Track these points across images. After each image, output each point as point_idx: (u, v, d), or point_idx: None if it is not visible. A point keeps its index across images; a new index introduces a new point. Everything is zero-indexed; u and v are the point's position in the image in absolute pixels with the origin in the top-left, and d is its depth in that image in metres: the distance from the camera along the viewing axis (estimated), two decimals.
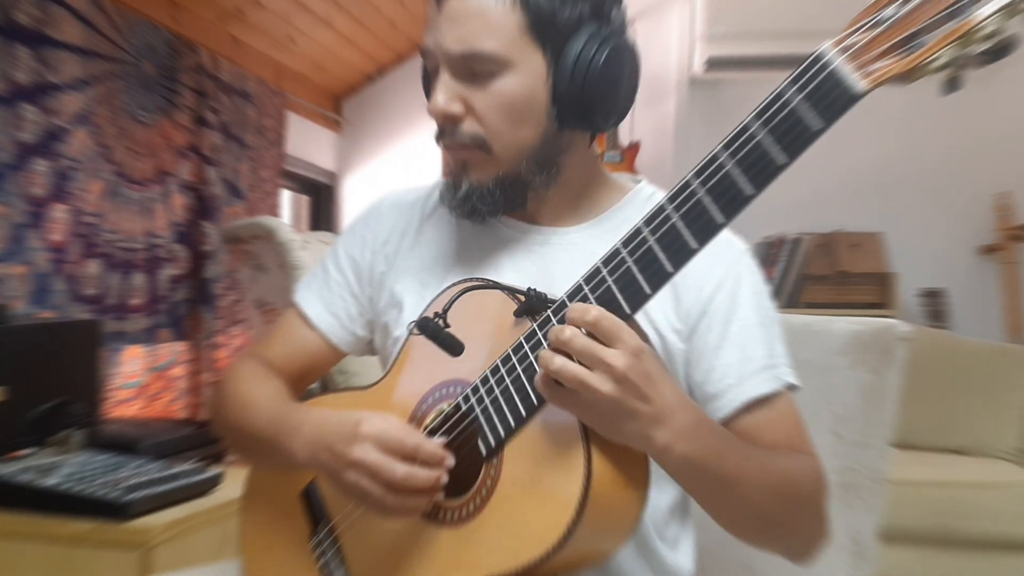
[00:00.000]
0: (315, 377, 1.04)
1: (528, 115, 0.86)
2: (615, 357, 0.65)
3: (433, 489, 0.76)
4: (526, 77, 0.85)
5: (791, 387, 0.87)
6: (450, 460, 0.77)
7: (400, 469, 0.74)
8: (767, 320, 0.89)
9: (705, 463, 0.72)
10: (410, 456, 0.75)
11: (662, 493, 0.90)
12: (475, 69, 0.84)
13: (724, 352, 0.86)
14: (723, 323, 0.87)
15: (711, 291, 0.88)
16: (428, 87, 0.92)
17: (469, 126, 0.86)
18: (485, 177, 0.88)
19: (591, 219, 0.94)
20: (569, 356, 0.67)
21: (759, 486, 0.76)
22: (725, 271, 0.89)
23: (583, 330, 0.67)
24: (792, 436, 0.85)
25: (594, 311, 0.66)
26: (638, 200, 0.96)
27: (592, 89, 0.84)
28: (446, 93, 0.85)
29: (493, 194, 0.88)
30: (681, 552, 0.93)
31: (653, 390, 0.67)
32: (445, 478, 0.76)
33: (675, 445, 0.69)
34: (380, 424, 0.77)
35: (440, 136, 0.88)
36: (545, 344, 0.72)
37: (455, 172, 0.90)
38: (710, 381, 0.86)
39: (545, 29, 0.83)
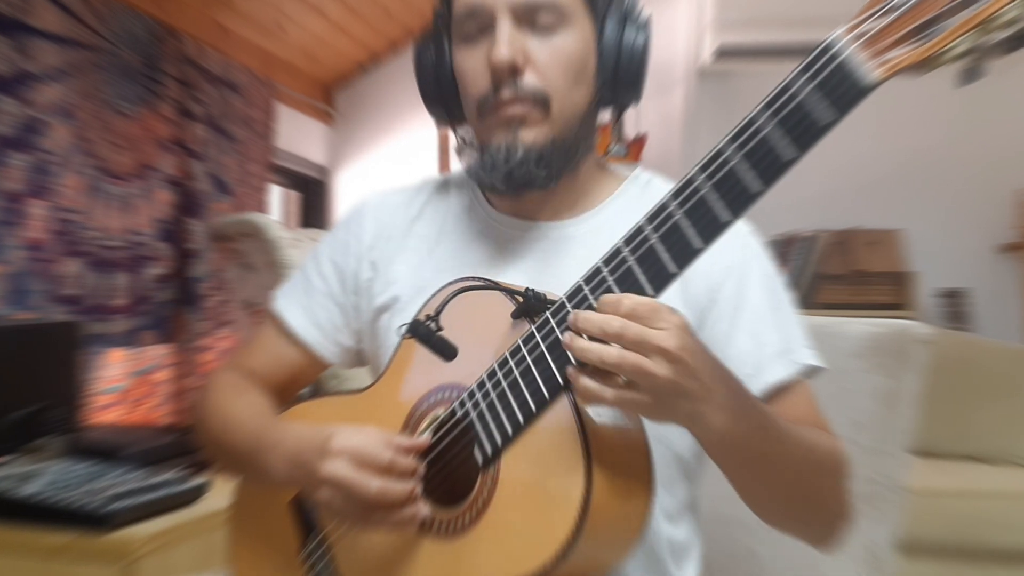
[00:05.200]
0: (300, 387, 1.05)
1: (583, 75, 0.89)
2: (666, 339, 0.64)
3: (408, 501, 0.76)
4: (582, 36, 0.88)
5: (813, 369, 0.88)
6: (421, 469, 0.78)
7: (374, 484, 0.75)
8: (779, 302, 0.91)
9: (748, 438, 0.72)
10: (385, 470, 0.75)
11: (671, 495, 0.91)
12: (538, 20, 0.86)
13: (737, 341, 0.87)
14: (733, 311, 0.88)
15: (719, 278, 0.89)
16: (427, 63, 0.93)
17: (531, 79, 0.86)
18: (541, 137, 0.88)
19: (589, 210, 0.95)
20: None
21: (792, 460, 0.77)
22: (732, 256, 0.90)
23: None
24: (814, 419, 0.87)
25: (627, 300, 0.65)
26: (635, 187, 0.97)
27: (629, 64, 0.89)
28: (511, 43, 0.85)
29: (550, 156, 0.88)
30: (687, 563, 0.94)
31: (700, 364, 0.67)
32: (419, 490, 0.77)
33: (720, 419, 0.69)
34: (352, 438, 0.77)
35: (495, 92, 0.87)
36: (542, 343, 0.72)
37: (506, 133, 0.88)
38: None
39: None
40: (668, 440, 0.88)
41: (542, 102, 0.87)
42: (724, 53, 3.33)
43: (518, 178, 0.88)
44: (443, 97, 0.94)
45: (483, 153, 0.90)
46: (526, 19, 0.86)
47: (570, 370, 0.68)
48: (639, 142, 3.19)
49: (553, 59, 0.87)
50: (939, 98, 2.90)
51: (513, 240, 0.95)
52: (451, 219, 0.99)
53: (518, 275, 0.91)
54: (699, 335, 0.87)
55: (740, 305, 0.88)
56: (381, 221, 1.01)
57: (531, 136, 0.87)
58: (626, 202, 0.95)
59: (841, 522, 0.84)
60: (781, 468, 0.77)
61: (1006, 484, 2.45)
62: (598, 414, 0.72)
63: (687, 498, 0.94)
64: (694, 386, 0.66)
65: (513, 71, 0.86)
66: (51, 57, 2.06)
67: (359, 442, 0.77)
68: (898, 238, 3.30)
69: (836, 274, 3.25)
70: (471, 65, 0.89)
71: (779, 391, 0.86)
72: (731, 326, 0.88)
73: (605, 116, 0.96)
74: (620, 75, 0.89)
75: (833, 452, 0.83)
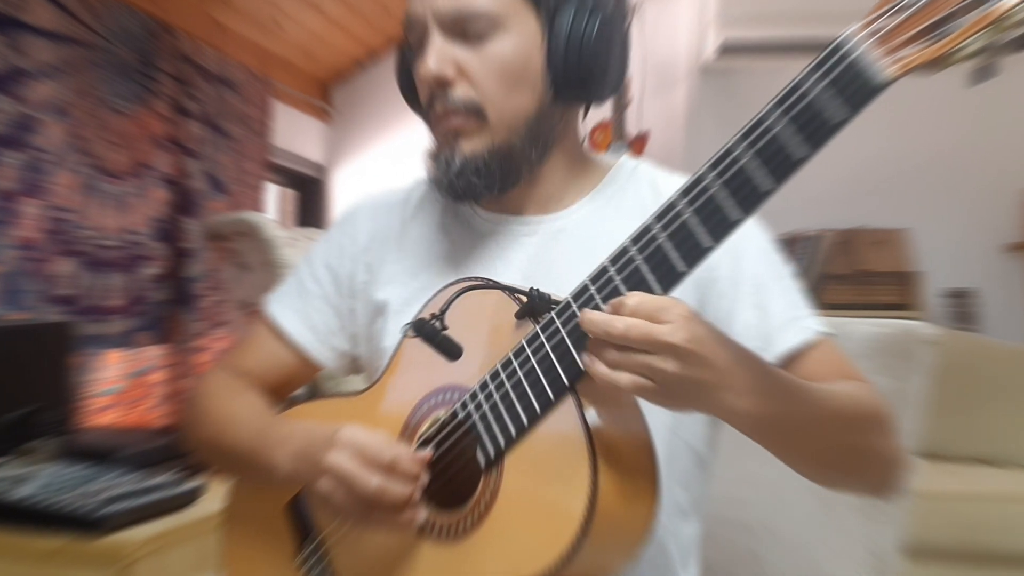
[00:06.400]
0: (293, 389, 1.05)
1: (523, 80, 0.87)
2: (671, 334, 0.64)
3: (407, 505, 0.76)
4: (520, 39, 0.87)
5: (824, 335, 0.88)
6: (424, 477, 0.77)
7: (373, 480, 0.75)
8: (779, 273, 0.91)
9: (778, 414, 0.71)
10: (386, 469, 0.75)
11: (685, 490, 0.91)
12: (468, 29, 0.86)
13: (741, 315, 0.87)
14: (734, 286, 0.88)
15: (715, 257, 0.88)
16: (404, 69, 0.94)
17: (462, 91, 0.87)
18: (479, 147, 0.88)
19: (576, 202, 0.95)
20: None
21: (830, 422, 0.76)
22: None
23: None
24: (845, 372, 0.86)
25: (630, 300, 0.65)
26: (621, 175, 0.97)
27: (586, 57, 0.86)
28: (438, 56, 0.86)
29: (489, 167, 0.89)
30: (691, 561, 0.94)
31: (712, 353, 0.66)
32: (418, 495, 0.77)
33: (745, 404, 0.68)
34: (360, 433, 0.78)
35: (430, 105, 0.89)
36: (547, 344, 0.72)
37: (446, 144, 0.90)
38: None
39: None
40: (681, 431, 0.88)
41: (476, 112, 0.87)
42: (727, 49, 3.32)
43: (458, 189, 0.90)
44: (417, 101, 0.95)
45: (432, 163, 0.92)
46: (455, 30, 0.86)
47: (585, 357, 0.68)
48: (641, 139, 3.19)
49: (484, 68, 0.86)
50: (946, 98, 2.90)
51: (502, 236, 0.95)
52: (443, 219, 0.99)
53: (510, 271, 0.92)
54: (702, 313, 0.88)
55: (739, 280, 0.88)
56: (376, 223, 1.01)
57: (469, 147, 0.88)
58: (613, 191, 0.96)
59: (895, 467, 0.83)
60: (821, 432, 0.76)
61: (1013, 487, 2.45)
62: (602, 417, 0.72)
63: (700, 493, 0.94)
64: (708, 375, 0.66)
65: (442, 84, 0.87)
66: (45, 54, 2.06)
67: (366, 438, 0.77)
68: (904, 237, 3.30)
69: (841, 274, 3.25)
70: (417, 77, 0.90)
71: (796, 356, 0.86)
72: (733, 302, 0.88)
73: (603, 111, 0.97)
74: (571, 71, 0.86)
75: (870, 400, 0.82)
